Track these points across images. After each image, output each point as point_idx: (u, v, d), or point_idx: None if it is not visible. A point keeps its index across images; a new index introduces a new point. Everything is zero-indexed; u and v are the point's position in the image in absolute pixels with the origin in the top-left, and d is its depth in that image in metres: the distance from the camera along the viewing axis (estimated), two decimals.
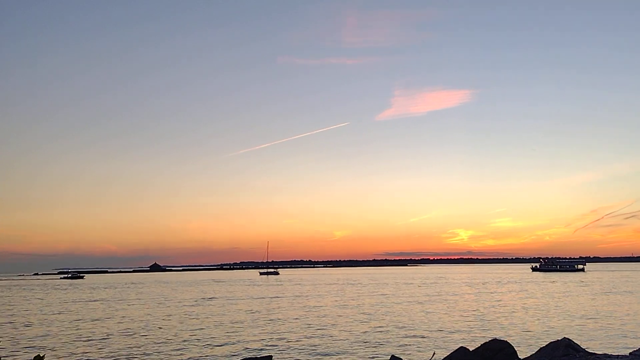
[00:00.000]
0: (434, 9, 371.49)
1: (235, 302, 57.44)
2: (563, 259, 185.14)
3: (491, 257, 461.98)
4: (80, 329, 35.59)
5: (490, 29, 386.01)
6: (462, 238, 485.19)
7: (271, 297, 63.69)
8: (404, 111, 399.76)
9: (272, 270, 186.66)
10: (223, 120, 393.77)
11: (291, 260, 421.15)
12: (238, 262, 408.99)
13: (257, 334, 31.42)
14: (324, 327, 34.08)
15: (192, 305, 53.46)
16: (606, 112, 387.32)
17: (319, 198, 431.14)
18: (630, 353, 12.24)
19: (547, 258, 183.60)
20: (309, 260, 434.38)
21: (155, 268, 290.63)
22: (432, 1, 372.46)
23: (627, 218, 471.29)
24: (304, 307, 50.03)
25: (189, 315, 43.69)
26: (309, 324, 35.89)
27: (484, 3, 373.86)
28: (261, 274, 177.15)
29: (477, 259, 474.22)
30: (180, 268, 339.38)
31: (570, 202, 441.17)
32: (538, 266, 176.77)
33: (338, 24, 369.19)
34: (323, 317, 40.60)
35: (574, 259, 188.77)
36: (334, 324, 35.62)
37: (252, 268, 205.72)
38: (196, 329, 33.86)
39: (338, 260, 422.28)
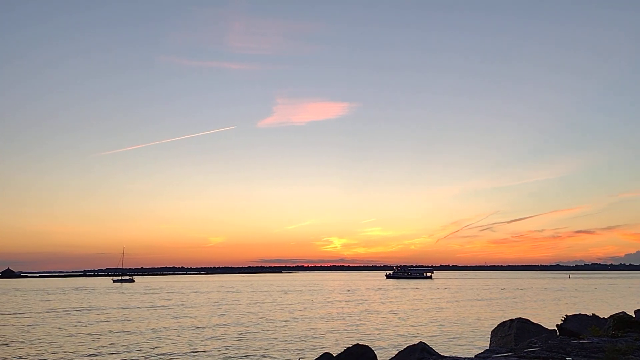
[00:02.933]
0: (320, 23, 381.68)
1: (84, 313, 53.55)
2: (413, 267, 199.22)
3: (362, 265, 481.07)
4: None
5: (373, 48, 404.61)
6: (336, 246, 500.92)
7: (126, 308, 60.37)
8: (285, 120, 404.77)
9: (127, 277, 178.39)
10: (97, 120, 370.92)
11: (162, 267, 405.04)
12: (104, 268, 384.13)
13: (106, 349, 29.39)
14: (185, 340, 32.80)
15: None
16: (464, 133, 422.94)
17: (196, 203, 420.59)
18: (475, 355, 12.94)
19: (399, 266, 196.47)
20: (182, 267, 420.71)
21: (7, 274, 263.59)
22: (319, 15, 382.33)
23: (482, 230, 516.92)
24: (158, 317, 47.99)
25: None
26: (167, 336, 34.38)
27: (369, 22, 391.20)
28: (115, 281, 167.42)
29: (348, 266, 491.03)
30: (38, 274, 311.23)
31: (434, 214, 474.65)
32: (392, 273, 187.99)
33: (224, 28, 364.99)
34: (180, 327, 39.13)
35: (423, 266, 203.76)
36: (198, 334, 34.46)
37: (118, 274, 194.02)
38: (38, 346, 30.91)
39: (212, 267, 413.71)
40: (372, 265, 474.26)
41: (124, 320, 43.42)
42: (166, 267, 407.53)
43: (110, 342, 30.00)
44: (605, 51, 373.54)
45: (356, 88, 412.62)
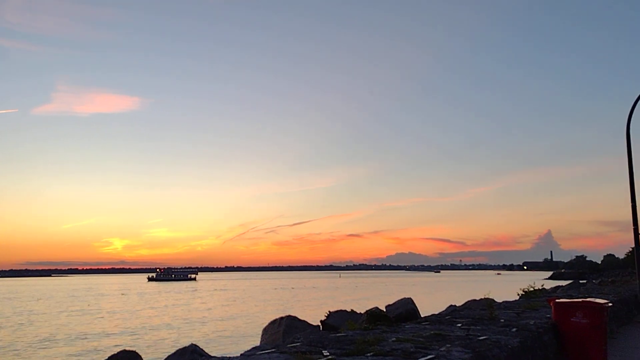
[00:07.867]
0: (113, 10, 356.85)
1: None
2: (177, 269, 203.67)
3: (145, 267, 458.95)
4: None
5: (171, 41, 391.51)
6: (117, 247, 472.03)
7: None
8: (67, 109, 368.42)
9: None
10: None
11: None
12: None
13: None
14: None
15: None
16: (256, 137, 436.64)
17: None
18: (241, 354, 13.18)
19: (163, 268, 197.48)
20: None
21: None
22: (112, 1, 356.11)
23: (267, 232, 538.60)
24: None
25: None
26: None
27: (167, 13, 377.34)
28: None
29: (129, 268, 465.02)
30: None
31: (223, 216, 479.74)
32: (154, 276, 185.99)
33: None
34: None
35: (187, 269, 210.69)
36: None
37: None
38: None
39: None
40: (155, 268, 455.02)
41: None
42: None
43: None
44: (399, 67, 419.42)
45: (149, 83, 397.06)
